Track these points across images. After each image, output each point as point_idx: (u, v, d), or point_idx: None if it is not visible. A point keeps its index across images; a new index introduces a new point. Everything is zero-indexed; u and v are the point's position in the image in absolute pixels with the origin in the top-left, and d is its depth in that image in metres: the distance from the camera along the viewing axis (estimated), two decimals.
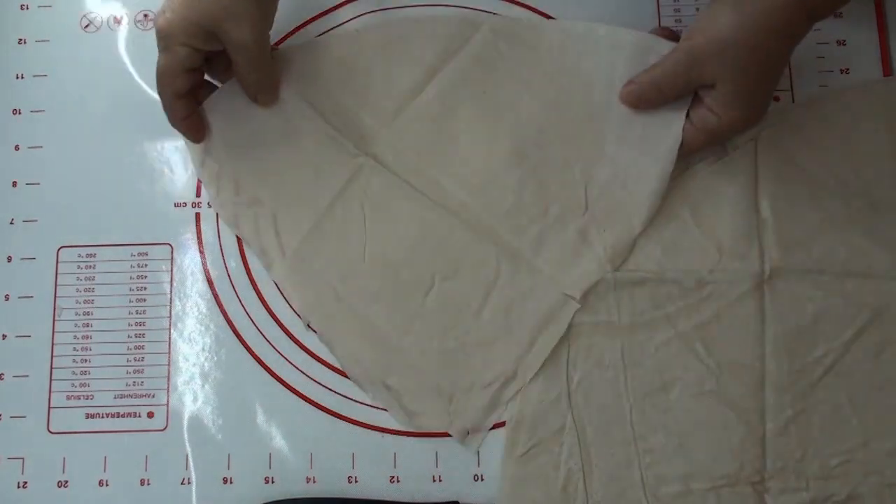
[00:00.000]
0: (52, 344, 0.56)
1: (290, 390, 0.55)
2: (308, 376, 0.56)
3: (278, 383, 0.56)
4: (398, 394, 0.54)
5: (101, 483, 0.54)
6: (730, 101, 0.50)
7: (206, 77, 0.56)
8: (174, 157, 0.59)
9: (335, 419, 0.55)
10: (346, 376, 0.56)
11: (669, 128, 0.53)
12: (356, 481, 0.54)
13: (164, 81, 0.52)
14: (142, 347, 0.56)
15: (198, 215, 0.58)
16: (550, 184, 0.56)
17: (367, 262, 0.56)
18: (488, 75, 0.57)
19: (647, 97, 0.53)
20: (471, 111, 0.57)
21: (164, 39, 0.51)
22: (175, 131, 0.55)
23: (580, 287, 0.54)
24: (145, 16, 0.61)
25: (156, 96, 0.54)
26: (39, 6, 0.62)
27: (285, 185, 0.56)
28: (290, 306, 0.56)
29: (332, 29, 0.60)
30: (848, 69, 0.59)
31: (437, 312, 0.55)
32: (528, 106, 0.57)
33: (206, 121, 0.56)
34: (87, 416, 0.55)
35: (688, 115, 0.53)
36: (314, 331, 0.56)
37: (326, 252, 0.56)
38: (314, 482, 0.54)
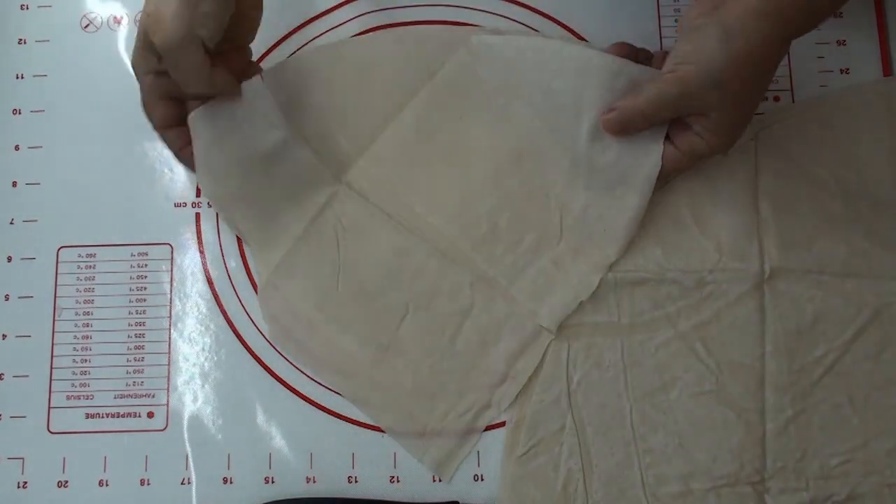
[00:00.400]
0: (52, 344, 0.56)
1: (290, 390, 0.55)
2: (308, 376, 0.56)
3: (278, 383, 0.56)
4: (374, 415, 0.54)
5: (101, 483, 0.54)
6: (719, 128, 0.50)
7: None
8: (174, 157, 0.59)
9: (335, 419, 0.55)
10: None
11: (648, 156, 0.53)
12: (356, 481, 0.54)
13: (147, 114, 0.53)
14: (142, 347, 0.56)
15: (198, 215, 0.58)
16: (526, 212, 0.55)
17: (340, 289, 0.55)
18: (464, 101, 0.57)
19: (632, 124, 0.52)
20: (446, 137, 0.56)
21: (135, 73, 0.51)
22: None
23: (555, 317, 0.54)
24: None
25: None
26: (39, 6, 0.62)
27: (259, 211, 0.56)
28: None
29: (330, 30, 0.60)
30: (848, 69, 0.59)
31: (411, 341, 0.55)
32: (503, 132, 0.56)
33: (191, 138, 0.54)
34: (87, 416, 0.55)
35: (668, 139, 0.52)
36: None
37: (299, 279, 0.55)
38: (314, 482, 0.54)
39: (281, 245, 0.56)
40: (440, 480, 0.54)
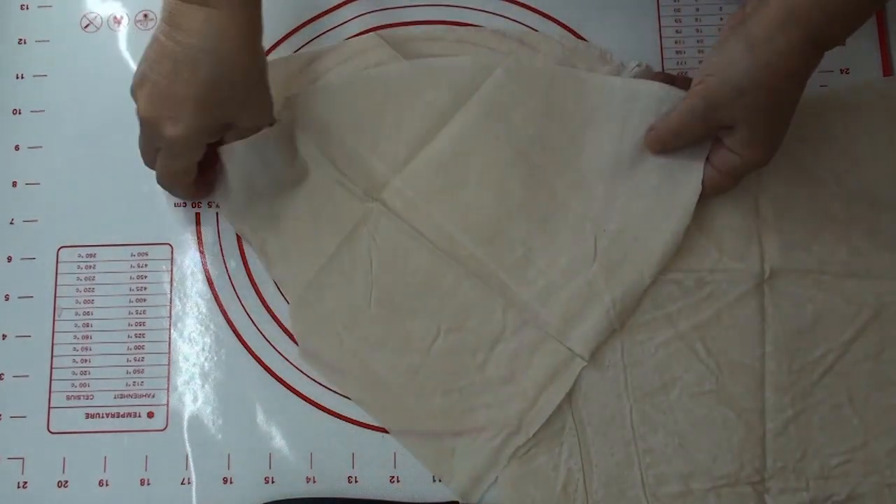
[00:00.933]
0: (52, 344, 0.56)
1: (290, 390, 0.55)
2: (308, 376, 0.56)
3: (278, 383, 0.56)
4: (402, 437, 0.54)
5: (101, 483, 0.54)
6: (750, 141, 0.49)
7: None
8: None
9: (335, 419, 0.55)
10: None
11: (689, 178, 0.53)
12: (356, 481, 0.54)
13: (181, 179, 0.53)
14: (142, 347, 0.56)
15: (198, 215, 0.58)
16: (560, 235, 0.55)
17: (372, 309, 0.55)
18: (500, 122, 0.56)
19: (666, 142, 0.52)
20: (482, 159, 0.56)
21: (179, 146, 0.51)
22: None
23: (587, 343, 0.53)
24: (145, 16, 0.61)
25: None
26: (39, 6, 0.62)
27: (291, 231, 0.56)
28: (288, 303, 0.56)
29: (331, 30, 0.60)
30: (848, 69, 0.59)
31: (441, 363, 0.54)
32: (540, 156, 0.56)
33: (222, 166, 0.55)
34: (87, 416, 0.55)
35: (707, 159, 0.52)
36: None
37: (331, 297, 0.55)
38: (314, 482, 0.54)
39: (312, 264, 0.56)
40: (440, 480, 0.54)
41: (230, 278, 0.57)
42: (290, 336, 0.56)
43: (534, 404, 0.53)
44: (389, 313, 0.55)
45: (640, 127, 0.54)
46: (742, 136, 0.49)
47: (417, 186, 0.56)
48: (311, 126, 0.56)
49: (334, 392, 0.55)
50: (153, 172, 0.59)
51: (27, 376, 0.56)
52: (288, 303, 0.56)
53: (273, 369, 0.56)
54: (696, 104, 0.50)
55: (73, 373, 0.56)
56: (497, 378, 0.54)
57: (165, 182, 0.54)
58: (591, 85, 0.56)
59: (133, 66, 0.60)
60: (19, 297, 0.57)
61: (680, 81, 0.54)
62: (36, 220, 0.58)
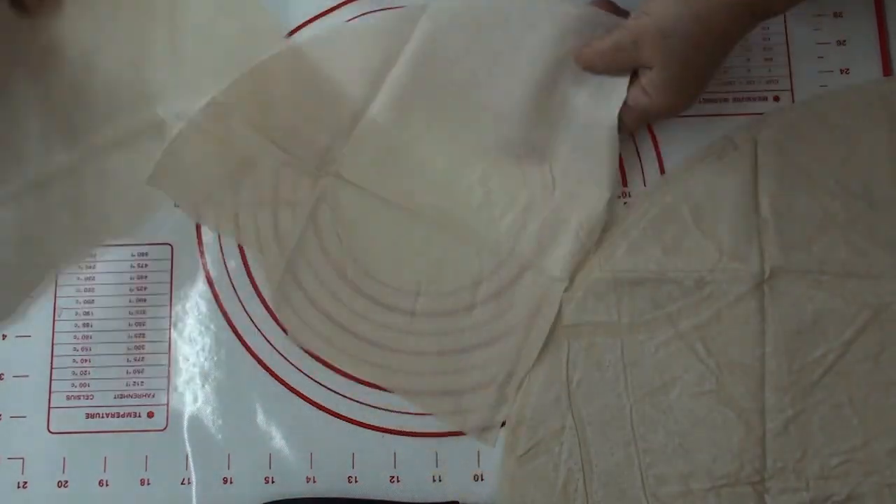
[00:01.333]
0: (52, 344, 0.56)
1: (290, 390, 0.55)
2: (308, 376, 0.56)
3: (278, 383, 0.56)
4: (410, 397, 0.55)
5: (101, 483, 0.54)
6: (662, 86, 0.51)
7: None
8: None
9: (335, 419, 0.55)
10: (346, 376, 0.56)
11: (615, 89, 0.54)
12: (356, 481, 0.54)
13: None
14: (142, 347, 0.56)
15: None
16: (516, 171, 0.56)
17: (350, 281, 0.56)
18: (434, 70, 0.57)
19: (593, 63, 0.54)
20: (424, 112, 0.56)
21: None
22: None
23: (564, 267, 0.55)
24: None
25: None
26: None
27: (254, 224, 0.56)
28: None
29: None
30: (848, 69, 0.59)
31: (429, 319, 0.55)
32: (479, 95, 0.56)
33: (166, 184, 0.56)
34: (87, 416, 0.55)
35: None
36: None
37: (309, 281, 0.56)
38: (314, 482, 0.54)
39: (281, 254, 0.56)
40: (440, 480, 0.54)
41: (230, 278, 0.57)
42: None
43: (527, 336, 0.54)
44: (368, 282, 0.56)
45: (568, 51, 0.55)
46: (655, 77, 0.51)
47: (367, 151, 0.56)
48: (249, 110, 0.56)
49: (334, 392, 0.55)
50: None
51: (27, 376, 0.56)
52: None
53: (273, 369, 0.56)
54: (624, 37, 0.52)
55: (73, 373, 0.56)
56: (485, 319, 0.55)
57: None
58: (517, 8, 0.56)
59: None
60: None
61: (622, 14, 0.55)
62: None
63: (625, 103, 0.54)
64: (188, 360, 0.56)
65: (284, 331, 0.56)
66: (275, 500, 0.53)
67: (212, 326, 0.56)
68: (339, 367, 0.56)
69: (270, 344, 0.56)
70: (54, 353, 0.56)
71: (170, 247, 0.58)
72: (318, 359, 0.56)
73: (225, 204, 0.57)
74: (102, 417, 0.55)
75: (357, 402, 0.55)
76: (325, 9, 0.61)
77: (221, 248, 0.58)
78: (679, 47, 0.50)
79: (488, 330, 0.55)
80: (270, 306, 0.56)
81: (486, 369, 0.54)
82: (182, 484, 0.54)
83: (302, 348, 0.56)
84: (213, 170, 0.56)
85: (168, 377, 0.56)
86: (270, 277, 0.56)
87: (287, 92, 0.57)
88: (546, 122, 0.56)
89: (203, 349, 0.56)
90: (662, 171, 0.58)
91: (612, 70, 0.54)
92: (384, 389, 0.55)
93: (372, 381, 0.55)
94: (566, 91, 0.55)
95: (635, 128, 0.56)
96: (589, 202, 0.55)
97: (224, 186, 0.57)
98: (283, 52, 0.58)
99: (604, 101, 0.55)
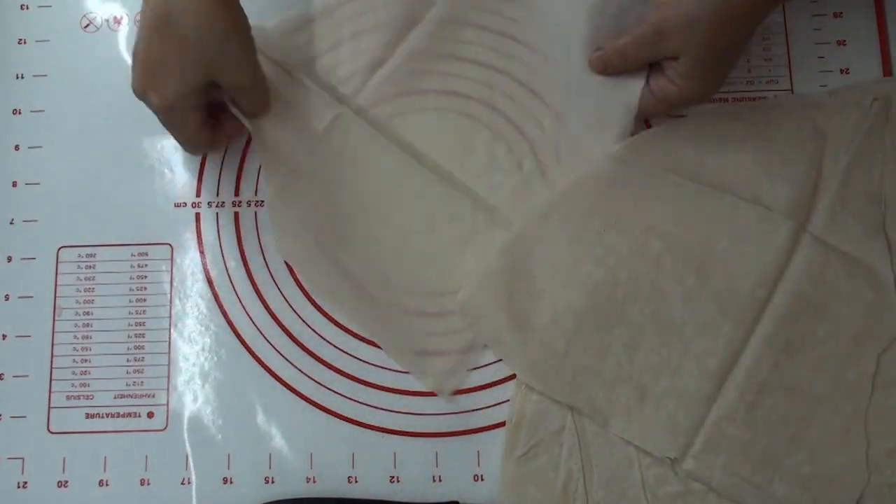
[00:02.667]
0: (52, 344, 0.56)
1: (290, 390, 0.55)
2: (308, 376, 0.56)
3: (278, 383, 0.56)
4: (378, 338, 0.56)
5: (101, 483, 0.54)
6: (690, 74, 0.51)
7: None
8: (174, 157, 0.59)
9: (335, 419, 0.55)
10: (345, 375, 0.56)
11: (630, 85, 0.55)
12: (356, 481, 0.54)
13: (196, 145, 0.55)
14: (142, 347, 0.56)
15: (198, 215, 0.58)
16: (521, 140, 0.57)
17: (346, 208, 0.57)
18: (455, 37, 0.58)
19: (612, 64, 0.54)
20: (437, 76, 0.58)
21: (172, 115, 0.52)
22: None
23: None
24: None
25: None
26: (39, 6, 0.62)
27: (270, 128, 0.57)
28: (291, 305, 0.57)
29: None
30: (848, 69, 0.59)
31: (413, 267, 0.56)
32: (496, 65, 0.58)
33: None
34: (87, 416, 0.55)
35: (647, 83, 0.54)
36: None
37: (307, 197, 0.57)
38: (314, 482, 0.54)
39: (286, 163, 0.57)
40: (440, 480, 0.54)
41: (230, 278, 0.57)
42: (290, 336, 0.56)
43: None
44: (361, 214, 0.57)
45: (589, 29, 0.55)
46: (683, 67, 0.51)
47: (377, 104, 0.58)
48: (279, 51, 0.58)
49: (334, 392, 0.55)
50: (153, 172, 0.59)
51: (27, 376, 0.56)
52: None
53: (273, 369, 0.56)
54: (647, 30, 0.52)
55: (73, 373, 0.56)
56: (467, 276, 0.55)
57: (188, 149, 0.55)
58: None
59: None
60: (19, 297, 0.57)
61: None
62: (36, 220, 0.58)
63: (650, 94, 0.54)
64: (188, 360, 0.56)
65: (296, 343, 0.56)
66: (275, 500, 0.53)
67: (212, 326, 0.56)
68: (312, 294, 0.56)
69: (270, 344, 0.56)
70: (54, 353, 0.56)
71: (170, 247, 0.58)
72: (318, 359, 0.56)
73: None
74: (102, 417, 0.55)
75: (357, 402, 0.55)
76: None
77: (221, 248, 0.58)
78: (705, 33, 0.49)
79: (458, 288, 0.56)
80: (287, 319, 0.57)
81: (459, 325, 0.55)
82: (182, 484, 0.54)
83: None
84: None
85: (168, 377, 0.56)
86: (273, 184, 0.57)
87: (311, 48, 0.59)
88: (558, 99, 0.57)
89: (203, 349, 0.56)
90: None
91: (631, 67, 0.54)
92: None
93: (344, 315, 0.56)
94: (582, 70, 0.56)
95: (658, 116, 0.56)
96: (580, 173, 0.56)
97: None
98: (314, 8, 0.60)
99: (623, 83, 0.55)
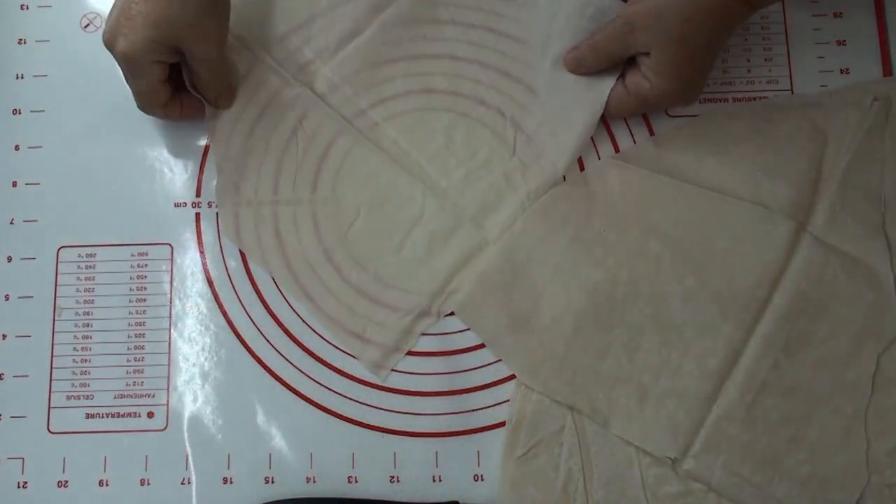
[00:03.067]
0: (52, 344, 0.56)
1: (290, 390, 0.55)
2: (308, 376, 0.56)
3: (278, 383, 0.56)
4: (318, 314, 0.56)
5: (101, 483, 0.54)
6: (660, 70, 0.52)
7: None
8: (174, 157, 0.59)
9: (335, 419, 0.55)
10: (345, 375, 0.56)
11: (601, 80, 0.56)
12: (356, 481, 0.54)
13: (149, 100, 0.55)
14: (142, 347, 0.56)
15: (198, 215, 0.58)
16: (481, 128, 0.58)
17: (295, 190, 0.57)
18: (430, 18, 0.59)
19: (585, 61, 0.55)
20: (408, 52, 0.59)
21: (132, 62, 0.52)
22: (174, 133, 0.56)
23: (501, 231, 0.56)
24: None
25: None
26: (39, 6, 0.62)
27: (230, 114, 0.58)
28: (291, 305, 0.57)
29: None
30: (848, 69, 0.59)
31: (359, 243, 0.57)
32: (465, 52, 0.59)
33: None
34: (87, 416, 0.55)
35: (623, 79, 0.55)
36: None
37: (255, 177, 0.58)
38: (314, 482, 0.54)
39: (241, 140, 0.58)
40: (440, 480, 0.54)
41: (230, 278, 0.57)
42: (290, 336, 0.56)
43: (446, 286, 0.56)
44: (310, 194, 0.57)
45: (564, 29, 0.57)
46: (654, 61, 0.52)
47: (345, 76, 0.59)
48: (248, 18, 0.59)
49: (334, 392, 0.55)
50: (153, 172, 0.59)
51: (27, 376, 0.56)
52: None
53: (273, 369, 0.56)
54: (618, 24, 0.53)
55: (73, 373, 0.56)
56: (412, 260, 0.56)
57: (140, 104, 0.55)
58: None
59: None
60: (19, 297, 0.57)
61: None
62: (36, 220, 0.58)
63: (625, 90, 0.55)
64: (188, 359, 0.56)
65: (296, 342, 0.56)
66: (275, 500, 0.53)
67: (212, 326, 0.56)
68: (259, 266, 0.57)
69: (270, 344, 0.56)
70: (54, 353, 0.56)
71: (170, 247, 0.58)
72: (318, 359, 0.56)
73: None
74: (102, 417, 0.55)
75: (357, 402, 0.55)
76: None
77: (221, 248, 0.58)
78: (673, 27, 0.50)
79: (411, 269, 0.56)
80: (286, 319, 0.57)
81: (399, 306, 0.56)
82: (182, 484, 0.54)
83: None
84: None
85: (168, 377, 0.56)
86: (224, 170, 0.58)
87: (284, 8, 0.60)
88: (524, 94, 0.58)
89: (203, 349, 0.56)
90: None
91: (604, 63, 0.55)
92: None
93: (288, 291, 0.56)
94: (553, 69, 0.57)
95: (632, 114, 0.57)
96: (542, 176, 0.57)
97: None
98: None
99: (594, 85, 0.56)
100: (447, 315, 0.56)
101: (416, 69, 0.59)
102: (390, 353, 0.55)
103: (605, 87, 0.56)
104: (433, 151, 0.58)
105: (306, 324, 0.56)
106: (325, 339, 0.56)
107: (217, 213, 0.58)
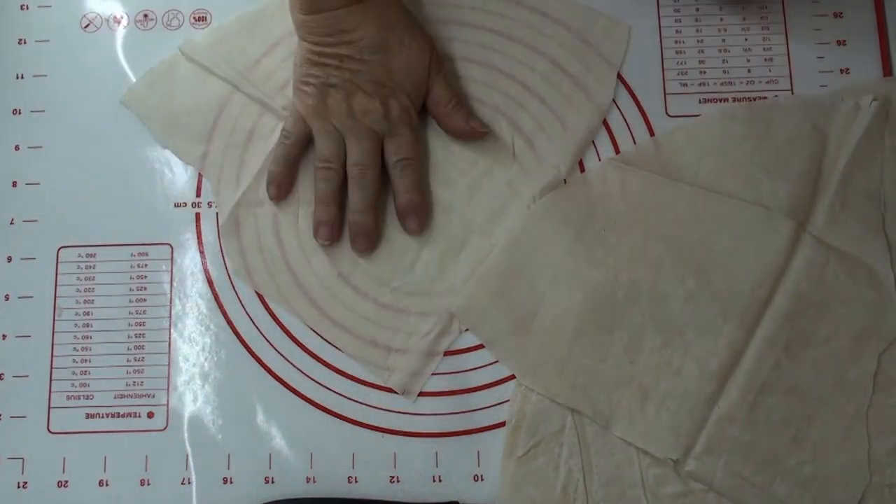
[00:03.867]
0: (52, 344, 0.56)
1: (290, 390, 0.55)
2: (308, 376, 0.56)
3: (278, 383, 0.56)
4: (340, 344, 0.56)
5: (101, 483, 0.54)
6: None
7: None
8: (174, 158, 0.59)
9: (335, 419, 0.55)
10: (345, 375, 0.56)
11: (602, 83, 0.57)
12: (356, 481, 0.54)
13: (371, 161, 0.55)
14: (142, 347, 0.56)
15: (198, 215, 0.58)
16: (477, 143, 0.57)
17: (300, 222, 0.57)
18: (429, 19, 0.59)
19: None
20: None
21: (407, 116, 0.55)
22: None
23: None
24: (145, 16, 0.61)
25: None
26: (39, 6, 0.62)
27: (220, 152, 0.58)
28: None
29: None
30: (848, 69, 0.59)
31: (371, 269, 0.56)
32: (459, 54, 0.59)
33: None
34: (87, 416, 0.55)
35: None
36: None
37: (259, 214, 0.57)
38: (314, 482, 0.54)
39: (240, 183, 0.57)
40: (440, 480, 0.54)
41: (230, 278, 0.57)
42: (290, 336, 0.56)
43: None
44: (314, 225, 0.56)
45: (555, 27, 0.58)
46: None
47: None
48: (231, 50, 0.59)
49: (334, 392, 0.55)
50: (153, 172, 0.59)
51: (27, 376, 0.56)
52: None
53: (273, 369, 0.56)
54: None
55: (73, 373, 0.56)
56: (427, 277, 0.56)
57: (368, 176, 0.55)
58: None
59: (132, 66, 0.60)
60: (19, 297, 0.57)
61: None
62: (36, 220, 0.58)
63: None
64: (188, 360, 0.56)
65: (296, 342, 0.56)
66: (275, 500, 0.53)
67: (212, 326, 0.56)
68: (273, 303, 0.56)
69: (270, 344, 0.56)
70: (54, 353, 0.56)
71: (170, 247, 0.58)
72: (318, 359, 0.56)
73: (192, 134, 0.58)
74: (102, 417, 0.55)
75: (357, 402, 0.55)
76: None
77: (221, 248, 0.58)
78: None
79: (427, 286, 0.56)
80: (286, 319, 0.57)
81: (419, 325, 0.55)
82: (182, 484, 0.54)
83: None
84: (187, 99, 0.58)
85: (168, 377, 0.56)
86: (223, 209, 0.57)
87: (262, 37, 0.59)
88: (519, 97, 0.58)
89: (203, 349, 0.56)
90: None
91: None
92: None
93: (309, 323, 0.56)
94: (549, 72, 0.57)
95: None
96: (544, 178, 0.56)
97: (194, 117, 0.58)
98: (260, 9, 0.60)
99: (588, 86, 0.57)
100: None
101: None
102: (417, 374, 0.55)
103: (602, 95, 0.57)
104: (433, 166, 0.57)
105: (306, 324, 0.56)
106: (325, 340, 0.56)
107: (223, 257, 0.57)
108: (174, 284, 0.57)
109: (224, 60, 0.59)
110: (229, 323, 0.56)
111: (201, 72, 0.59)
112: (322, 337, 0.56)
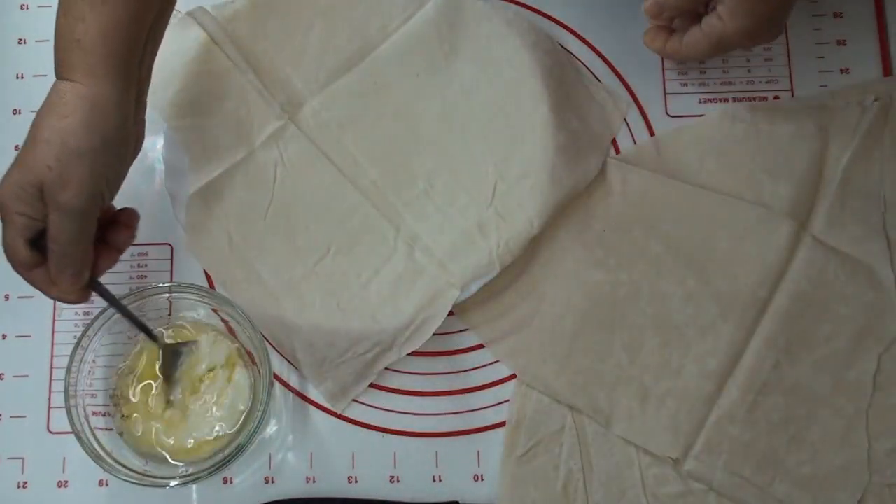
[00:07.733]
0: (53, 344, 0.56)
1: (290, 390, 0.55)
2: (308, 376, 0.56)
3: (278, 383, 0.56)
4: (279, 342, 0.56)
5: (100, 483, 0.54)
6: (735, 9, 0.51)
7: None
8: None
9: (335, 419, 0.55)
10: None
11: (594, 147, 0.56)
12: (356, 481, 0.54)
13: (7, 254, 0.48)
14: None
15: None
16: (463, 175, 0.57)
17: (266, 220, 0.57)
18: (423, 58, 0.58)
19: (668, 4, 0.54)
20: (400, 92, 0.58)
21: (1, 209, 0.47)
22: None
23: (465, 277, 0.55)
24: None
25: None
26: (39, 6, 0.62)
27: (206, 127, 0.57)
28: None
29: None
30: (848, 69, 0.59)
31: (325, 278, 0.56)
32: (455, 96, 0.58)
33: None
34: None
35: (700, 23, 0.53)
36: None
37: (229, 199, 0.57)
38: (314, 482, 0.54)
39: (219, 164, 0.57)
40: (440, 480, 0.54)
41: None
42: None
43: (409, 325, 0.54)
44: (283, 226, 0.57)
45: (561, 77, 0.57)
46: (729, 3, 0.51)
47: (333, 110, 0.58)
48: (240, 31, 0.58)
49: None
50: (152, 172, 0.59)
51: (27, 376, 0.56)
52: None
53: (273, 369, 0.56)
54: None
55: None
56: (378, 298, 0.55)
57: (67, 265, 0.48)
58: (521, 27, 0.58)
59: None
60: (19, 298, 0.57)
61: None
62: None
63: (700, 33, 0.53)
64: None
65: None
66: (275, 500, 0.53)
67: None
68: (221, 287, 0.56)
69: (270, 344, 0.56)
70: (54, 353, 0.56)
71: (170, 247, 0.58)
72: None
73: (186, 112, 0.57)
74: (102, 417, 0.55)
75: (357, 402, 0.55)
76: None
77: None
78: None
79: (375, 307, 0.55)
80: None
81: (360, 341, 0.54)
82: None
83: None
84: (190, 78, 0.57)
85: None
86: (195, 182, 0.57)
87: (279, 29, 0.59)
88: (508, 144, 0.57)
89: None
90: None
91: (683, 8, 0.54)
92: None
93: (251, 310, 0.54)
94: (545, 123, 0.56)
95: (710, 56, 0.56)
96: (515, 228, 0.55)
97: (193, 94, 0.57)
98: None
99: (578, 148, 0.56)
100: (448, 315, 0.55)
101: (404, 111, 0.58)
102: (348, 388, 0.55)
103: (594, 159, 0.57)
104: (411, 197, 0.57)
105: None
106: (263, 336, 0.55)
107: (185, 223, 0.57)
108: None
109: (232, 40, 0.58)
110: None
111: (208, 41, 0.58)
112: (263, 333, 0.54)
